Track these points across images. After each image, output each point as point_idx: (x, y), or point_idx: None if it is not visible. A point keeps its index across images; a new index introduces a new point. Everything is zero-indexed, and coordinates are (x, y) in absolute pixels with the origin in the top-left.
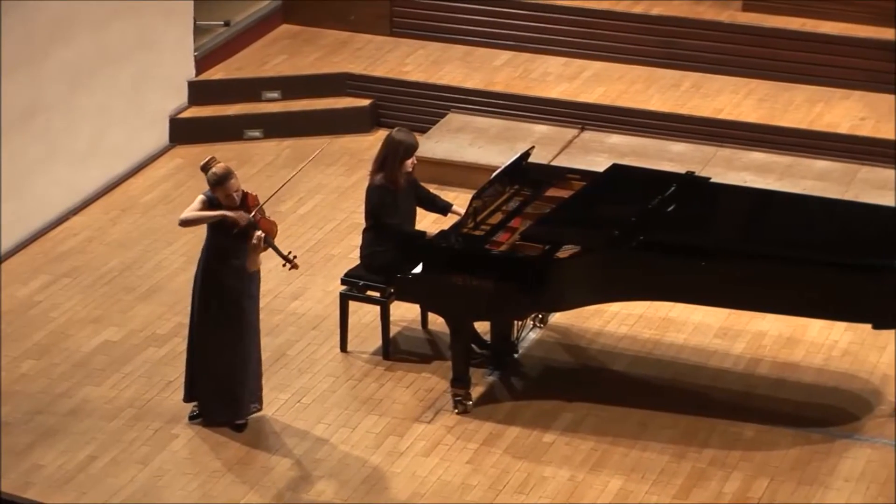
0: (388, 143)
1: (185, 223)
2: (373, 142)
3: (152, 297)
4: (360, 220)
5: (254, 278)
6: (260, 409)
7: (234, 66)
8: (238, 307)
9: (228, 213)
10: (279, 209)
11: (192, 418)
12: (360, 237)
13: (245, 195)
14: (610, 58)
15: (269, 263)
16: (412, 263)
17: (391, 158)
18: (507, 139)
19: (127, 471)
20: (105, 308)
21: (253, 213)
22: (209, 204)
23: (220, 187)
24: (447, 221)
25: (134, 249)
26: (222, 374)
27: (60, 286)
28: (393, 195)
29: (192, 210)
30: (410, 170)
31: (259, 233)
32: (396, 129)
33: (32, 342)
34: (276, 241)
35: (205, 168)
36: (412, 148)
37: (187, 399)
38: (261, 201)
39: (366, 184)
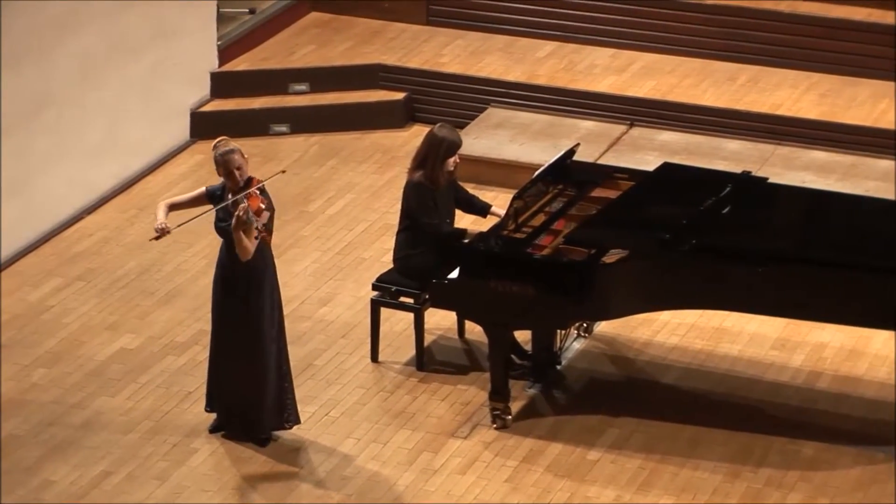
0: (430, 140)
1: (171, 207)
2: (407, 138)
3: (171, 303)
4: (393, 222)
5: (270, 281)
6: (296, 424)
7: (260, 57)
8: (255, 316)
9: (158, 218)
10: (307, 209)
11: (212, 431)
12: (394, 239)
13: (250, 179)
14: (661, 49)
15: (295, 267)
16: (449, 268)
17: (433, 156)
18: (551, 136)
19: (143, 487)
20: (121, 314)
21: (244, 194)
22: (206, 196)
23: (221, 163)
24: (486, 223)
25: (152, 251)
26: (240, 388)
27: (74, 290)
28: (432, 194)
29: (173, 199)
30: (452, 169)
31: (242, 206)
32: (439, 124)
33: (44, 349)
34: (308, 242)
35: (214, 148)
36: (455, 146)
37: (209, 409)
38: (265, 188)
39: (399, 182)
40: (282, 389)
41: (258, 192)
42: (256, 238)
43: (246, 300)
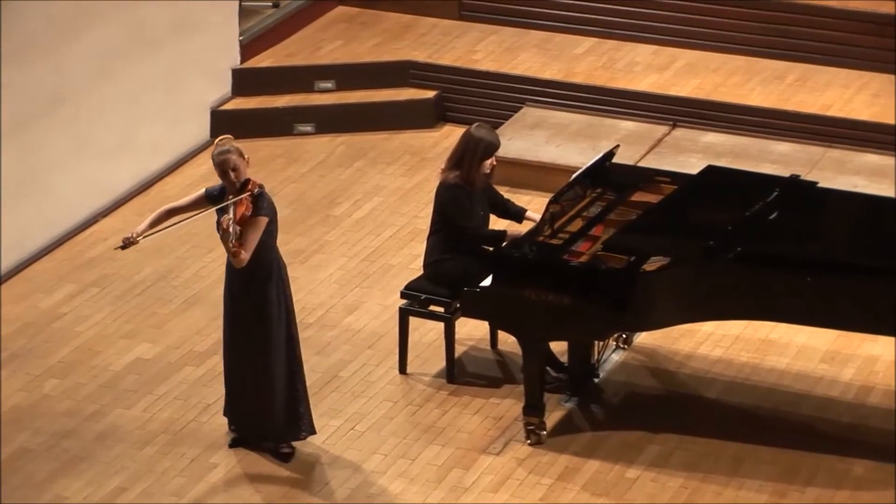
0: (467, 140)
1: (170, 212)
2: (437, 138)
3: (190, 310)
4: (423, 226)
5: (276, 284)
6: (311, 434)
7: (284, 53)
8: (260, 321)
9: (136, 229)
10: (332, 213)
11: (232, 445)
12: (424, 245)
13: (247, 181)
14: (706, 46)
15: (320, 274)
16: (481, 275)
17: (469, 157)
18: (589, 136)
19: None
20: (137, 322)
21: (232, 201)
22: (206, 198)
23: (217, 164)
24: (521, 229)
25: (170, 256)
26: (249, 395)
27: (88, 297)
28: (468, 196)
29: (173, 203)
30: (489, 171)
31: (226, 218)
32: (476, 124)
33: (56, 359)
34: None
35: (214, 146)
36: (493, 147)
37: (226, 413)
38: (263, 193)
39: (430, 185)
40: (293, 398)
41: (249, 198)
42: (232, 248)
43: (250, 306)
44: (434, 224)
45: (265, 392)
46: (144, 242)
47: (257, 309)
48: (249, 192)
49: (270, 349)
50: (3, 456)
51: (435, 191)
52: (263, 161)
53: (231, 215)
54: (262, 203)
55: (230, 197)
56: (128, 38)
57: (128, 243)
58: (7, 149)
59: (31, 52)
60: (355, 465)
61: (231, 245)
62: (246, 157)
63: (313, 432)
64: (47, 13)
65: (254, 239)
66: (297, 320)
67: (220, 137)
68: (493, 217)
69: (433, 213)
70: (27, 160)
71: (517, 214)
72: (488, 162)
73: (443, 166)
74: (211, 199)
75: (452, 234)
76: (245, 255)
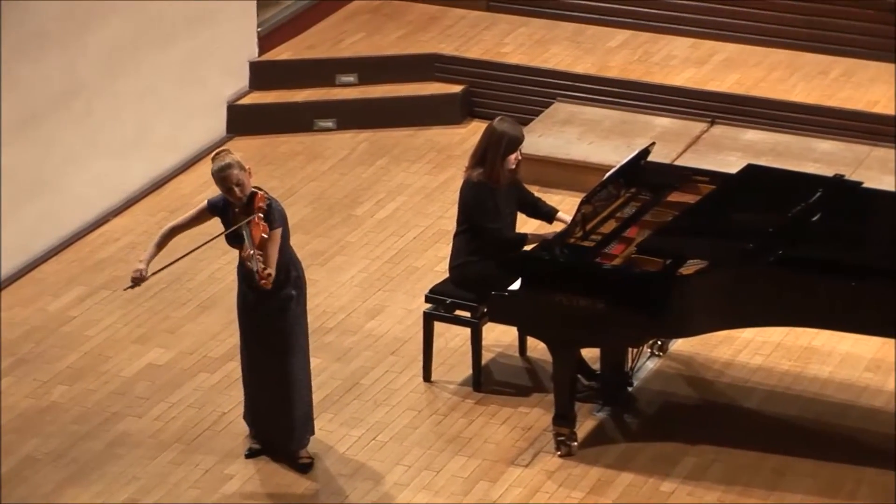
0: (490, 135)
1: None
2: (464, 135)
3: (205, 314)
4: (449, 227)
5: (295, 288)
6: (310, 434)
7: (304, 45)
8: (278, 327)
9: (141, 261)
10: (354, 213)
11: (249, 456)
12: (450, 245)
13: (254, 195)
14: (746, 39)
15: (341, 276)
16: (510, 278)
17: (492, 152)
18: (623, 133)
19: None
20: (150, 326)
21: (245, 223)
22: (209, 210)
23: (216, 181)
24: (552, 229)
25: (184, 258)
26: (270, 400)
27: (98, 299)
28: (493, 195)
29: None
30: (514, 166)
31: (248, 252)
32: (499, 118)
33: (65, 364)
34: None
35: (212, 161)
36: (517, 141)
37: (245, 417)
38: (273, 205)
39: (456, 184)
40: (307, 402)
41: (262, 218)
42: (261, 281)
43: (268, 309)
44: (460, 224)
45: (284, 397)
46: None
47: (275, 312)
48: (260, 211)
49: (290, 352)
50: (9, 466)
51: (460, 189)
52: (282, 158)
53: (248, 244)
54: (272, 216)
55: (236, 210)
56: (141, 30)
57: (138, 281)
58: (15, 145)
59: (41, 46)
60: (377, 477)
61: (258, 276)
62: (247, 167)
63: (313, 432)
64: (58, 5)
65: (274, 252)
66: (317, 325)
67: (218, 150)
68: (522, 217)
69: (458, 212)
70: (36, 157)
71: (548, 214)
72: (512, 157)
73: (467, 164)
74: (214, 209)
75: (478, 235)
76: (273, 275)
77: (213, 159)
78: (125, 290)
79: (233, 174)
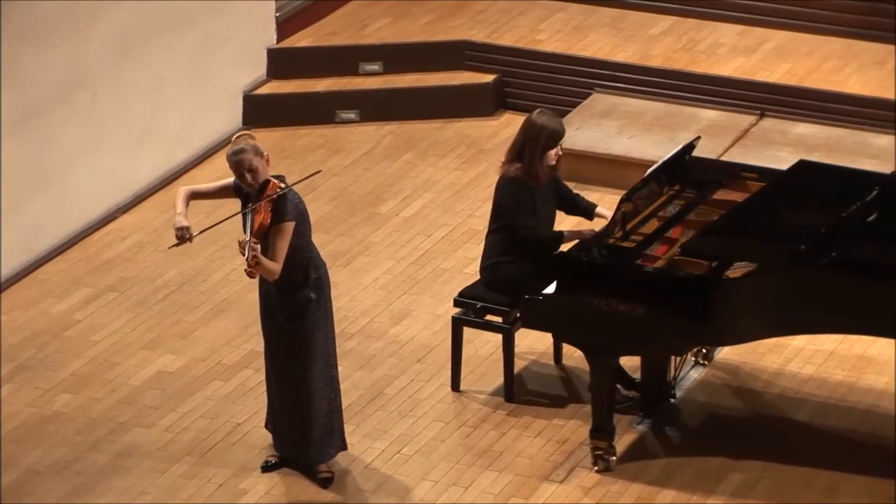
0: (528, 128)
1: (174, 197)
2: (496, 127)
3: (218, 318)
4: (479, 226)
5: (315, 290)
6: (341, 450)
7: (325, 31)
8: (300, 330)
9: (176, 216)
10: (378, 210)
11: (266, 469)
12: (481, 246)
13: (267, 182)
14: (797, 27)
15: (364, 279)
16: (545, 280)
17: (531, 147)
18: (667, 127)
19: None
20: (160, 330)
21: (250, 209)
22: (233, 189)
23: (230, 165)
24: (591, 226)
25: (197, 257)
26: (290, 408)
27: (105, 302)
28: (530, 192)
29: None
30: (553, 163)
31: (242, 238)
32: (538, 110)
33: (69, 371)
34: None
35: (231, 144)
36: (557, 135)
37: (267, 426)
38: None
39: (487, 180)
40: (330, 410)
41: (268, 205)
42: (246, 269)
43: (286, 312)
44: (493, 222)
45: (301, 406)
46: (168, 242)
47: (294, 315)
48: (268, 198)
49: (309, 358)
50: (9, 480)
51: (495, 186)
52: (301, 152)
53: (248, 229)
54: (284, 206)
55: (250, 204)
56: (151, 15)
57: (184, 238)
58: (17, 139)
59: (45, 33)
60: (402, 493)
61: (247, 265)
62: (265, 154)
63: (344, 447)
64: None
65: (282, 247)
66: (339, 330)
67: (238, 134)
68: (559, 215)
69: (492, 210)
70: (39, 151)
71: (587, 210)
72: (552, 152)
73: (503, 159)
74: (238, 190)
75: (512, 235)
76: (274, 267)
77: (231, 143)
78: (170, 248)
79: (246, 159)
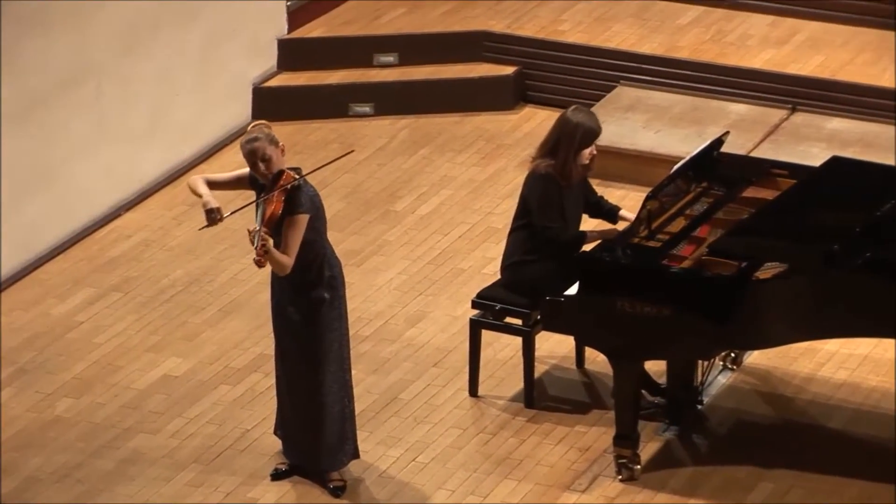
0: (563, 125)
1: (188, 185)
2: (516, 122)
3: (226, 320)
4: (498, 224)
5: (329, 290)
6: (354, 458)
7: (338, 21)
8: (312, 331)
9: (203, 198)
10: (393, 208)
11: (276, 477)
12: (500, 245)
13: (281, 173)
14: (831, 17)
15: (378, 279)
16: (567, 282)
17: (566, 145)
18: (694, 121)
19: None
20: (165, 332)
21: (261, 199)
22: (248, 179)
23: (243, 154)
24: (612, 228)
25: (204, 257)
26: (302, 413)
27: (108, 303)
28: (559, 191)
29: (211, 175)
30: (587, 162)
31: (251, 228)
32: (574, 107)
33: (71, 375)
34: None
35: (245, 133)
36: (594, 134)
37: (276, 432)
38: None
39: (506, 177)
40: (343, 416)
41: (280, 195)
42: (254, 258)
43: (299, 313)
44: (517, 219)
45: (313, 411)
46: (174, 240)
47: (307, 316)
48: (281, 188)
49: (322, 361)
50: (9, 488)
51: (523, 181)
52: (314, 147)
53: (258, 219)
54: (298, 198)
55: (263, 194)
56: (158, 4)
57: (213, 221)
58: (17, 132)
59: (48, 22)
60: (418, 501)
61: (255, 255)
62: (280, 144)
63: (356, 455)
64: None
65: (295, 240)
66: (352, 333)
67: (254, 123)
68: (588, 217)
69: (518, 206)
70: (41, 145)
71: (610, 213)
72: (587, 151)
73: (533, 154)
74: (253, 182)
75: (537, 233)
76: (287, 260)
77: (246, 132)
78: (200, 229)
79: (259, 147)
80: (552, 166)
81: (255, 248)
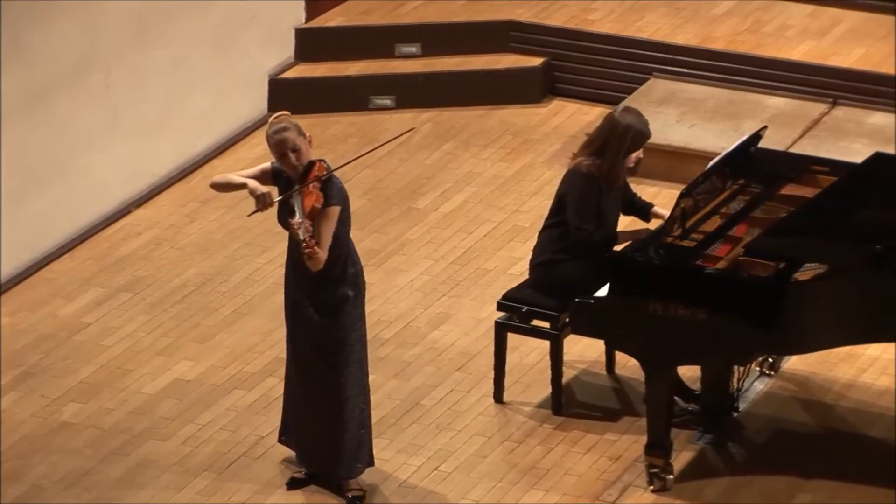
0: (612, 127)
1: (214, 186)
2: (545, 115)
3: (241, 322)
4: (525, 223)
5: (353, 288)
6: (368, 466)
7: (359, 10)
8: (335, 332)
9: (250, 184)
10: (415, 205)
11: (291, 485)
12: (526, 245)
13: (312, 164)
14: (873, 7)
15: (399, 279)
16: (597, 283)
17: (614, 147)
18: (730, 115)
19: None
20: (177, 335)
21: (297, 189)
22: (271, 175)
23: (271, 145)
24: (646, 227)
25: (217, 256)
26: (320, 420)
27: (117, 304)
28: (598, 193)
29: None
30: (633, 165)
31: (295, 220)
32: (623, 107)
33: (78, 379)
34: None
35: (268, 125)
36: (644, 138)
37: (281, 437)
38: (333, 177)
39: (534, 173)
40: (361, 422)
41: (317, 187)
42: (306, 250)
43: (322, 312)
44: (551, 216)
45: (334, 415)
46: (186, 238)
47: (329, 315)
48: (316, 179)
49: (345, 362)
50: (12, 497)
51: (563, 177)
52: (332, 141)
53: (298, 212)
54: (331, 190)
55: (297, 186)
56: None
57: (266, 203)
58: (22, 124)
59: (56, 9)
60: None
61: (304, 245)
62: (308, 135)
63: (371, 463)
64: None
65: (329, 233)
66: (372, 335)
67: (276, 114)
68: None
69: (554, 202)
70: (47, 138)
71: (643, 210)
72: (634, 155)
73: (575, 152)
74: (277, 177)
75: (568, 232)
76: (322, 255)
77: (270, 123)
78: (249, 215)
79: (290, 137)
80: (596, 166)
81: (305, 241)
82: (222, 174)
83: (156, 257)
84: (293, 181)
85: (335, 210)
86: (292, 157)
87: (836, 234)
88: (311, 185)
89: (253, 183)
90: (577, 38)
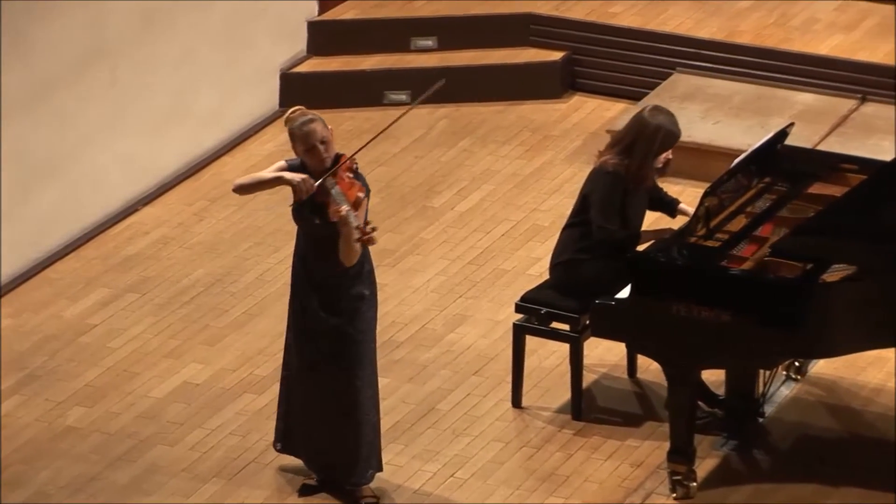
0: (642, 127)
1: (239, 189)
2: (564, 111)
3: (251, 323)
4: (543, 222)
5: (368, 287)
6: (377, 472)
7: (373, 3)
8: (351, 333)
9: (285, 175)
10: (431, 204)
11: (303, 493)
12: (545, 244)
13: (338, 157)
14: None
15: (415, 280)
16: (621, 284)
17: (643, 147)
18: (756, 111)
19: None
20: (185, 337)
21: (329, 174)
22: (288, 171)
23: (298, 138)
24: (672, 224)
25: (227, 256)
26: (333, 423)
27: (124, 305)
28: (624, 192)
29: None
30: (661, 166)
31: (343, 207)
32: (652, 107)
33: (83, 382)
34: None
35: (288, 121)
36: (674, 138)
37: (276, 444)
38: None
39: (553, 170)
40: (374, 427)
41: (352, 175)
42: (364, 237)
43: (338, 312)
44: (574, 214)
45: (348, 418)
46: (195, 237)
47: (345, 315)
48: (349, 169)
49: (360, 363)
50: (17, 503)
51: (588, 175)
52: (346, 137)
53: (342, 201)
54: (362, 180)
55: (327, 177)
56: None
57: (307, 190)
58: (25, 120)
59: (61, 2)
60: None
61: (360, 233)
62: (330, 127)
63: (380, 469)
64: None
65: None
66: (387, 337)
67: (293, 109)
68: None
69: (578, 200)
70: (51, 133)
71: (669, 205)
72: (663, 156)
73: (600, 149)
74: (294, 172)
75: (591, 231)
76: (359, 250)
77: (289, 119)
78: (291, 206)
79: (318, 129)
80: (623, 165)
81: (360, 227)
82: (248, 175)
83: (163, 257)
84: (314, 176)
85: (366, 201)
86: (321, 148)
87: (865, 235)
88: (345, 176)
89: (288, 174)
90: (598, 31)
